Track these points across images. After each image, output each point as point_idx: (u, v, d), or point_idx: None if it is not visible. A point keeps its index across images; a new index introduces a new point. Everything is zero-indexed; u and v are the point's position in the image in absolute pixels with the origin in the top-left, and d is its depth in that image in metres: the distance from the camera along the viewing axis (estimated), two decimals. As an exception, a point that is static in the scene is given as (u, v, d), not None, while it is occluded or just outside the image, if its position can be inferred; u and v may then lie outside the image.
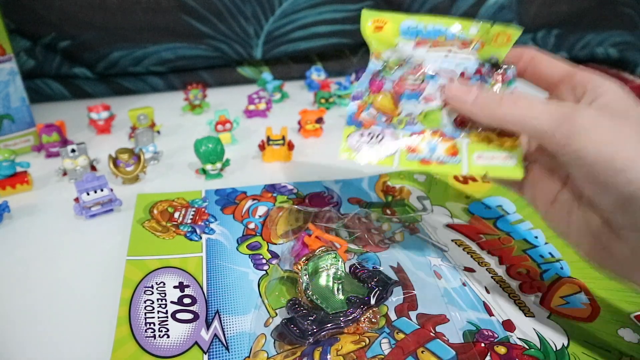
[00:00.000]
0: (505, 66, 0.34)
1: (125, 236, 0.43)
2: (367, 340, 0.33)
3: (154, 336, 0.33)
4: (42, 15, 0.71)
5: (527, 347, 0.33)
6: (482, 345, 0.33)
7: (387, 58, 0.38)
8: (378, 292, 0.35)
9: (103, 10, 0.73)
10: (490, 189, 0.51)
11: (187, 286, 0.37)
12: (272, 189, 0.51)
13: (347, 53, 0.89)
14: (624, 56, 0.95)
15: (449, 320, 0.35)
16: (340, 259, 0.36)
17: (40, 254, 0.42)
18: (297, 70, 0.88)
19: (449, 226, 0.46)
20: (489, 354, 0.32)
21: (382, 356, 0.32)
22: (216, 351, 0.32)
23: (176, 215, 0.46)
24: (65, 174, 0.55)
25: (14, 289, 0.38)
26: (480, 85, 0.34)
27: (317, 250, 0.37)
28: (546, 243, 0.43)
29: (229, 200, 0.49)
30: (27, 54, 0.75)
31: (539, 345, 0.33)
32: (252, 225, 0.45)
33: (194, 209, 0.47)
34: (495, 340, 0.33)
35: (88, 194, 0.46)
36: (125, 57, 0.77)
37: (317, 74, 0.82)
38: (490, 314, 0.35)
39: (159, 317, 0.35)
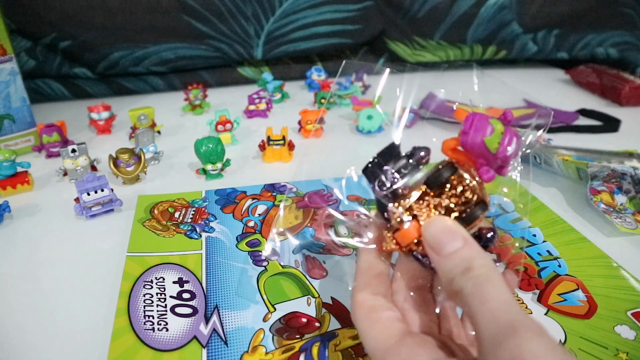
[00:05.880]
0: None
1: (126, 235, 0.43)
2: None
3: (153, 329, 0.33)
4: (43, 15, 0.72)
5: (525, 344, 0.33)
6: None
7: None
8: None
9: (103, 10, 0.74)
10: (489, 187, 0.51)
11: (187, 282, 0.38)
12: (271, 188, 0.51)
13: (347, 53, 0.89)
14: (624, 56, 0.95)
15: (446, 316, 0.35)
16: None
17: (41, 254, 0.42)
18: (297, 70, 0.88)
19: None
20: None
21: (380, 352, 0.32)
22: (215, 346, 0.32)
23: (176, 215, 0.47)
24: (65, 174, 0.55)
25: (15, 288, 0.38)
26: None
27: None
28: (544, 241, 0.43)
29: (228, 199, 0.49)
30: (28, 54, 0.75)
31: (536, 342, 0.33)
32: (251, 224, 0.45)
33: (194, 209, 0.47)
34: (493, 336, 0.33)
35: (88, 194, 0.46)
36: (126, 57, 0.78)
37: (317, 74, 0.82)
38: (488, 310, 0.36)
39: (158, 311, 0.35)
